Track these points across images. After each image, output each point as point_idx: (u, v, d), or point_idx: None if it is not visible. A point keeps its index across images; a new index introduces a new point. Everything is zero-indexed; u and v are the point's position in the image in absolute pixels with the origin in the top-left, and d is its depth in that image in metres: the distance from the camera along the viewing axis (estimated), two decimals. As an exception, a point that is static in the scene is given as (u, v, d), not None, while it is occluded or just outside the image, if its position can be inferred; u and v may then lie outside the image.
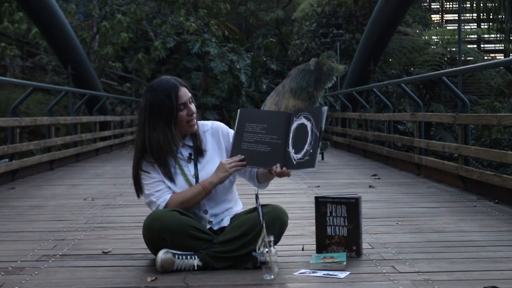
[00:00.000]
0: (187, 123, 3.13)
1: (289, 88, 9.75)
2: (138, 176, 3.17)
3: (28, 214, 5.06)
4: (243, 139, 3.08)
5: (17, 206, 5.48)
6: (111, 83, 23.14)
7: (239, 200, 3.33)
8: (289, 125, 3.07)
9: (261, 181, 3.23)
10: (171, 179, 3.13)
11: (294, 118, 3.05)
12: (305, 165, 2.98)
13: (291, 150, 3.02)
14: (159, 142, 3.07)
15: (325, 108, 3.02)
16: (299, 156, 2.99)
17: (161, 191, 3.13)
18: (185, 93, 3.11)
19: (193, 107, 3.14)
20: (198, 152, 3.19)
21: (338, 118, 14.58)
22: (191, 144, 3.20)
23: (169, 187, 3.14)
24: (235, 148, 3.09)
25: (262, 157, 3.05)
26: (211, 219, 3.18)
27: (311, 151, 2.96)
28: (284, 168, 3.01)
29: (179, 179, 3.14)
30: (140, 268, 3.14)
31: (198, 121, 3.21)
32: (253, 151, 3.06)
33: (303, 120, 3.02)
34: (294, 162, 3.00)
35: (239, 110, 3.13)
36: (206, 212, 3.18)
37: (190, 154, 3.19)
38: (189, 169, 3.17)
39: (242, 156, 3.07)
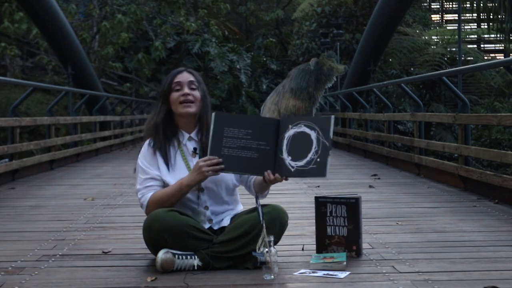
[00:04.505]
0: (180, 104, 3.18)
1: (289, 88, 9.75)
2: (137, 165, 3.24)
3: (28, 214, 5.06)
4: (222, 144, 3.00)
5: (17, 206, 5.48)
6: (111, 83, 23.14)
7: (240, 202, 3.33)
8: (280, 131, 3.02)
9: (258, 191, 3.22)
10: (170, 167, 3.16)
11: (290, 126, 3.00)
12: (311, 174, 2.94)
13: (285, 157, 2.98)
14: (156, 120, 3.22)
15: (333, 117, 3.01)
16: (300, 163, 2.95)
17: (147, 188, 3.16)
18: (184, 76, 3.22)
19: (193, 92, 3.19)
20: (203, 147, 3.20)
21: (338, 118, 14.58)
22: (197, 139, 3.23)
23: (162, 183, 3.17)
24: (213, 153, 3.00)
25: (249, 163, 3.00)
26: (211, 217, 3.18)
27: (318, 159, 2.92)
28: (276, 175, 3.00)
29: (184, 172, 3.15)
30: (140, 268, 3.14)
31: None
32: (237, 156, 2.99)
33: (304, 129, 2.98)
34: (292, 169, 2.96)
35: (213, 114, 3.03)
36: (207, 208, 3.18)
37: (194, 149, 3.22)
38: (194, 163, 3.18)
39: (220, 160, 3.00)
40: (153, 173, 3.17)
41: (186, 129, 3.24)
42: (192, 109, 3.19)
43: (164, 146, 3.19)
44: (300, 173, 2.96)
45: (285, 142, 2.99)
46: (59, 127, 14.31)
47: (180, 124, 3.23)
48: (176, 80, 3.20)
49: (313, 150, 2.94)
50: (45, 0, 12.78)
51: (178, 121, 3.23)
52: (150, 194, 3.15)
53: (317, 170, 2.92)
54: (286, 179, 3.03)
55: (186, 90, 3.18)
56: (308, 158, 2.94)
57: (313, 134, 2.96)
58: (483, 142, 14.43)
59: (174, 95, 3.19)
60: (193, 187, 3.08)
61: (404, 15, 14.99)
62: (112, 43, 17.42)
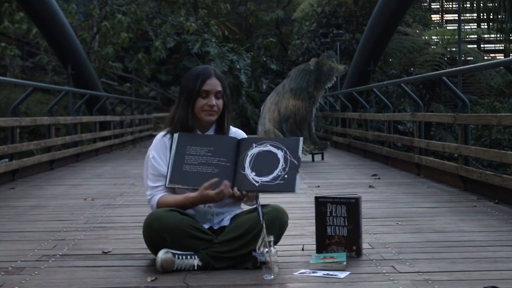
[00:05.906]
0: (204, 112, 3.18)
1: (289, 88, 9.75)
2: (147, 157, 3.24)
3: (28, 214, 5.06)
4: (184, 162, 3.07)
5: (17, 206, 5.48)
6: (111, 83, 23.17)
7: (241, 203, 3.33)
8: (241, 150, 3.10)
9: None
10: None
11: (254, 145, 3.09)
12: (278, 189, 3.01)
13: (248, 172, 3.04)
14: (177, 117, 3.20)
15: (301, 139, 3.09)
16: (266, 178, 3.02)
17: (156, 189, 3.17)
18: (213, 83, 3.18)
19: (218, 102, 3.18)
20: None
21: (338, 118, 14.59)
22: None
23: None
24: (175, 170, 3.06)
25: (209, 178, 3.04)
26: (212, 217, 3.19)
27: (286, 176, 3.01)
28: (235, 189, 3.03)
29: None
30: (140, 268, 3.14)
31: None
32: (197, 172, 3.06)
33: (270, 148, 3.07)
34: (257, 184, 3.02)
35: (176, 134, 3.11)
36: (210, 208, 3.19)
37: None
38: None
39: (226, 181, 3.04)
40: (163, 170, 3.17)
41: (201, 129, 3.25)
42: (214, 117, 3.22)
43: None
44: (266, 187, 3.02)
45: (248, 159, 3.07)
46: (59, 127, 14.32)
47: (197, 124, 3.23)
48: (205, 88, 3.16)
49: (280, 167, 3.03)
50: (45, 0, 12.79)
51: (196, 121, 3.23)
52: (158, 196, 3.16)
53: (285, 185, 3.00)
54: (241, 197, 3.05)
55: (213, 101, 3.18)
56: (274, 174, 3.03)
57: (280, 153, 3.06)
58: (483, 142, 14.43)
59: (200, 102, 3.17)
60: (198, 205, 3.12)
61: (404, 15, 14.99)
62: (112, 43, 17.43)
